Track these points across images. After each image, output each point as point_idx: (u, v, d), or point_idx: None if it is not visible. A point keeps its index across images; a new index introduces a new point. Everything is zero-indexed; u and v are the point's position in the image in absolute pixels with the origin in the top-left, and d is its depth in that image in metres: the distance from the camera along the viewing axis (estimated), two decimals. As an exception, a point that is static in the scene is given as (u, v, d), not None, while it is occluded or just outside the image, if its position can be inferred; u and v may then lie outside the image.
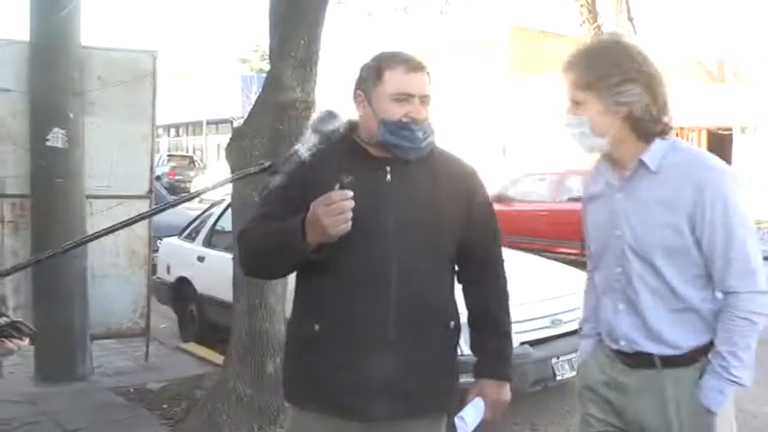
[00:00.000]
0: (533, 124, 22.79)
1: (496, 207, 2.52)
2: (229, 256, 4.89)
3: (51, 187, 5.26)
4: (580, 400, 2.40)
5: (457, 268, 2.36)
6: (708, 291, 2.14)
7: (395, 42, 16.70)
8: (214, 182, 2.17)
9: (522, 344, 4.38)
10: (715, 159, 2.15)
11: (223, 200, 7.30)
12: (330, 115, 2.04)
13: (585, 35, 13.31)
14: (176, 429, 4.54)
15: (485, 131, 25.07)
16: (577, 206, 13.03)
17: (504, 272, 2.42)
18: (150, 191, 5.80)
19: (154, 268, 6.76)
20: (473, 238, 2.30)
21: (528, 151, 23.08)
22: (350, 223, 1.97)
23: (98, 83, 5.55)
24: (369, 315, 2.14)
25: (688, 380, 2.13)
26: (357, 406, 2.15)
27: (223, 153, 4.60)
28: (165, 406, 4.92)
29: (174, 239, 7.66)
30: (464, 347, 2.44)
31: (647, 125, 2.13)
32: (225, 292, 5.02)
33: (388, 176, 2.18)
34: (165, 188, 18.43)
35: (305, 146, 1.96)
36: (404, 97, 2.14)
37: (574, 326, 4.33)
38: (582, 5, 13.88)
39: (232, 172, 4.12)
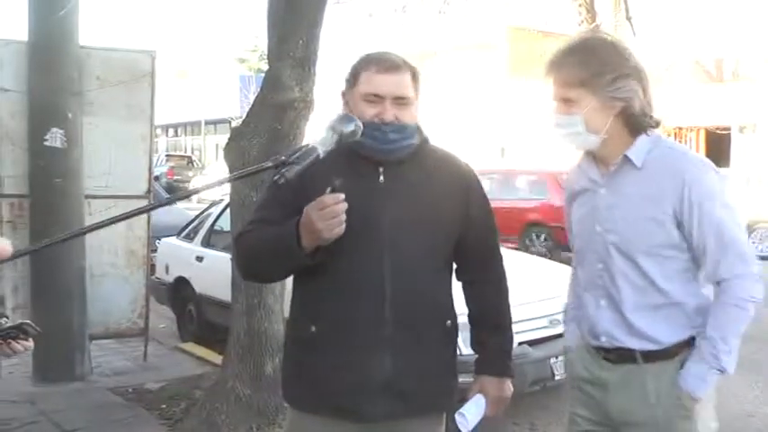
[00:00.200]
0: (532, 125, 22.78)
1: None
2: (228, 256, 4.89)
3: (50, 187, 5.26)
4: (569, 399, 2.41)
5: (456, 267, 2.37)
6: (691, 285, 2.15)
7: (394, 43, 16.68)
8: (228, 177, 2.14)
9: (521, 344, 4.38)
10: (694, 153, 2.21)
11: (222, 200, 7.30)
12: (348, 117, 2.05)
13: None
14: (175, 429, 4.54)
15: (483, 132, 25.06)
16: (519, 204, 13.24)
17: (503, 269, 2.42)
18: (149, 191, 5.80)
19: (152, 268, 6.76)
20: (471, 237, 2.30)
21: (526, 152, 23.07)
22: (344, 226, 1.98)
23: (96, 83, 5.55)
24: (364, 315, 2.14)
25: (670, 372, 2.13)
26: (355, 406, 2.15)
27: (221, 153, 4.60)
28: (164, 406, 4.92)
29: (173, 239, 7.65)
30: (463, 347, 2.44)
31: (640, 120, 2.15)
32: (223, 291, 5.01)
33: (381, 177, 2.18)
34: (164, 188, 18.45)
35: (323, 145, 1.94)
36: (373, 98, 2.15)
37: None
38: (580, 5, 13.87)
39: (230, 172, 4.12)
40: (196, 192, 2.13)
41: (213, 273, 6.45)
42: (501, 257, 2.42)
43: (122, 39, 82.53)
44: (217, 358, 5.70)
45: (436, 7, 11.35)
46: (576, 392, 2.35)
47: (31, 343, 1.96)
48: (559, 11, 16.95)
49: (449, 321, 2.28)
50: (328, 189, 1.97)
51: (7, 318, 2.06)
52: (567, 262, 3.34)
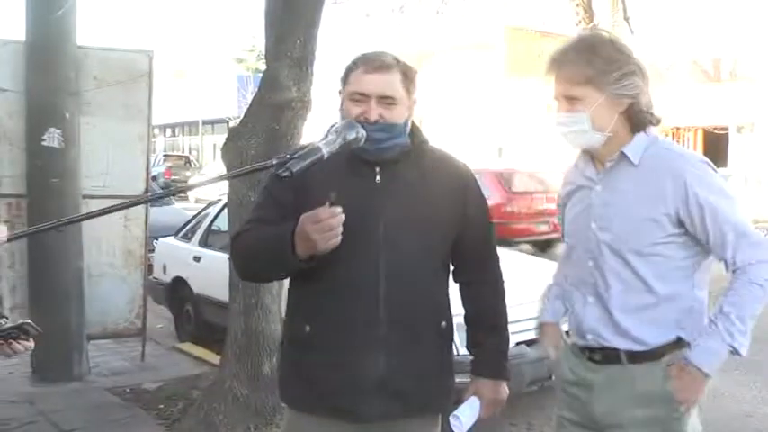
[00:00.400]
0: (530, 125, 22.81)
1: None
2: (225, 256, 4.89)
3: (47, 187, 5.26)
4: (556, 402, 2.40)
5: (452, 268, 2.36)
6: (684, 285, 2.13)
7: (391, 43, 16.68)
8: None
9: (519, 344, 4.38)
10: (691, 153, 2.22)
11: (219, 200, 7.30)
12: (351, 124, 2.06)
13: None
14: (173, 429, 4.54)
15: (481, 132, 25.07)
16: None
17: (500, 270, 2.42)
18: (146, 191, 5.79)
19: (150, 268, 6.75)
20: (469, 237, 2.30)
21: (524, 152, 23.09)
22: (340, 237, 1.98)
23: (94, 83, 5.54)
24: (358, 315, 2.14)
25: (656, 372, 2.11)
26: (352, 406, 2.15)
27: (219, 153, 4.59)
28: (162, 406, 4.92)
29: (171, 239, 7.64)
30: (459, 348, 2.43)
31: (643, 117, 2.15)
32: (221, 291, 5.01)
33: (378, 177, 2.18)
34: (161, 188, 18.46)
35: (327, 147, 1.94)
36: (358, 97, 2.15)
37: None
38: (578, 5, 13.89)
39: (228, 171, 4.12)
40: (194, 187, 2.14)
41: (211, 273, 6.45)
42: (498, 258, 2.42)
43: (120, 39, 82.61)
44: (214, 358, 5.70)
45: (434, 7, 11.37)
46: (562, 395, 2.34)
47: (31, 343, 1.97)
48: (557, 11, 16.97)
49: (444, 322, 2.28)
50: (327, 204, 1.96)
51: (6, 318, 2.06)
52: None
